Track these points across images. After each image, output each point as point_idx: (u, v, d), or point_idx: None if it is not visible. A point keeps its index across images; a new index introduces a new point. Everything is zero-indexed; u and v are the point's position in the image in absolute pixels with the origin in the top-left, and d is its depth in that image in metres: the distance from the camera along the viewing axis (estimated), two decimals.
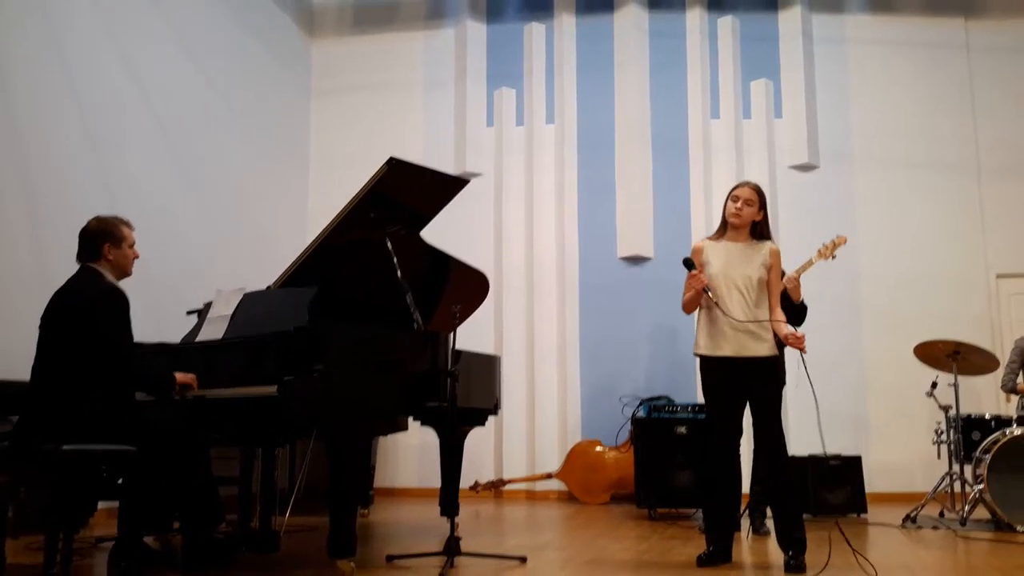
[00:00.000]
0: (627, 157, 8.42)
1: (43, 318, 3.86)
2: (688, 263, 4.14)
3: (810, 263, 5.32)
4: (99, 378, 3.70)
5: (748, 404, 4.11)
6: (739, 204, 4.15)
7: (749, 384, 4.06)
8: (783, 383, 5.23)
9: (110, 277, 3.90)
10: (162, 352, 4.32)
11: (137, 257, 4.05)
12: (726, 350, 4.05)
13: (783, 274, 4.96)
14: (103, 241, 3.90)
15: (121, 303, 3.79)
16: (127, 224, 4.01)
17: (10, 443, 3.74)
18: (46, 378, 3.74)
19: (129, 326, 3.80)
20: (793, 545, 3.94)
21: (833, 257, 5.35)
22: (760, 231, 4.20)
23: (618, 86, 8.56)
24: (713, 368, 4.12)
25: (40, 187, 5.61)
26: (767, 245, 4.18)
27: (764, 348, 4.03)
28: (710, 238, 4.28)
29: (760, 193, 4.20)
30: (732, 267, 4.11)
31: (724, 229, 4.23)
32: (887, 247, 8.08)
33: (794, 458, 6.51)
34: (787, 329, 4.01)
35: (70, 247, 3.96)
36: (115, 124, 6.32)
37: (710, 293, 4.05)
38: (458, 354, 4.32)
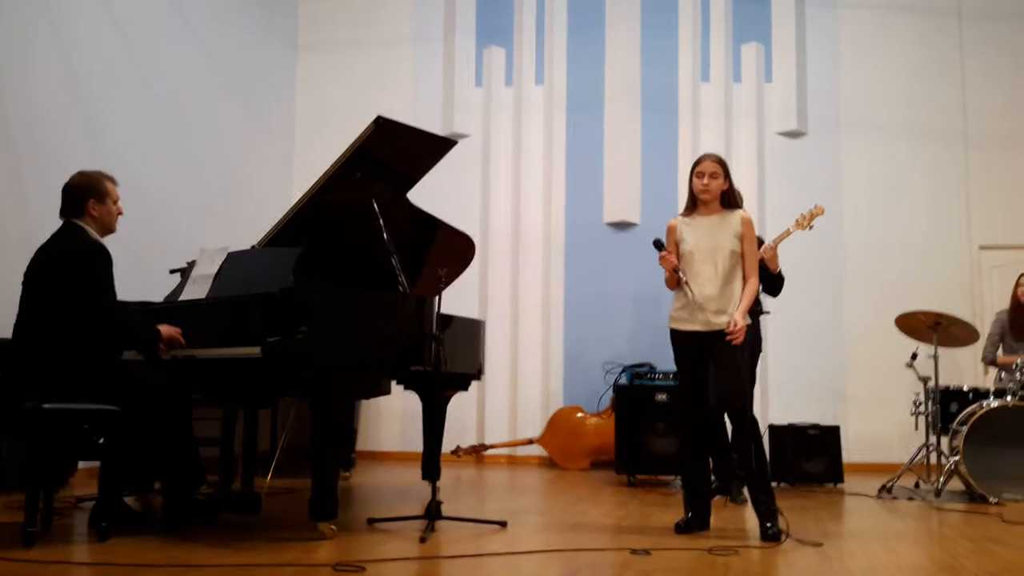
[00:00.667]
0: (616, 120, 8.36)
1: (26, 274, 3.82)
2: (658, 244, 4.16)
3: (787, 233, 5.35)
4: (82, 335, 3.67)
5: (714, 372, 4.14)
6: (705, 180, 4.17)
7: (715, 353, 4.09)
8: (757, 351, 5.28)
9: (94, 233, 3.85)
10: (144, 311, 4.28)
11: (121, 213, 3.99)
12: (696, 324, 4.10)
13: (761, 242, 4.97)
14: (87, 197, 3.84)
15: (104, 259, 3.75)
16: (111, 180, 3.95)
17: None
18: (29, 335, 3.71)
19: (112, 283, 3.76)
20: (766, 514, 3.97)
21: (811, 227, 5.39)
22: (729, 200, 4.22)
23: (608, 46, 8.46)
24: (683, 341, 4.16)
25: (21, 142, 5.51)
26: (738, 214, 4.19)
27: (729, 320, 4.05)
28: (682, 214, 4.29)
29: (723, 164, 4.22)
30: (705, 241, 4.14)
31: (694, 204, 4.24)
32: (871, 216, 8.09)
33: (773, 427, 6.58)
34: (736, 316, 4.01)
35: (52, 202, 3.90)
36: (99, 78, 6.20)
37: (680, 273, 4.08)
38: (448, 319, 4.30)
